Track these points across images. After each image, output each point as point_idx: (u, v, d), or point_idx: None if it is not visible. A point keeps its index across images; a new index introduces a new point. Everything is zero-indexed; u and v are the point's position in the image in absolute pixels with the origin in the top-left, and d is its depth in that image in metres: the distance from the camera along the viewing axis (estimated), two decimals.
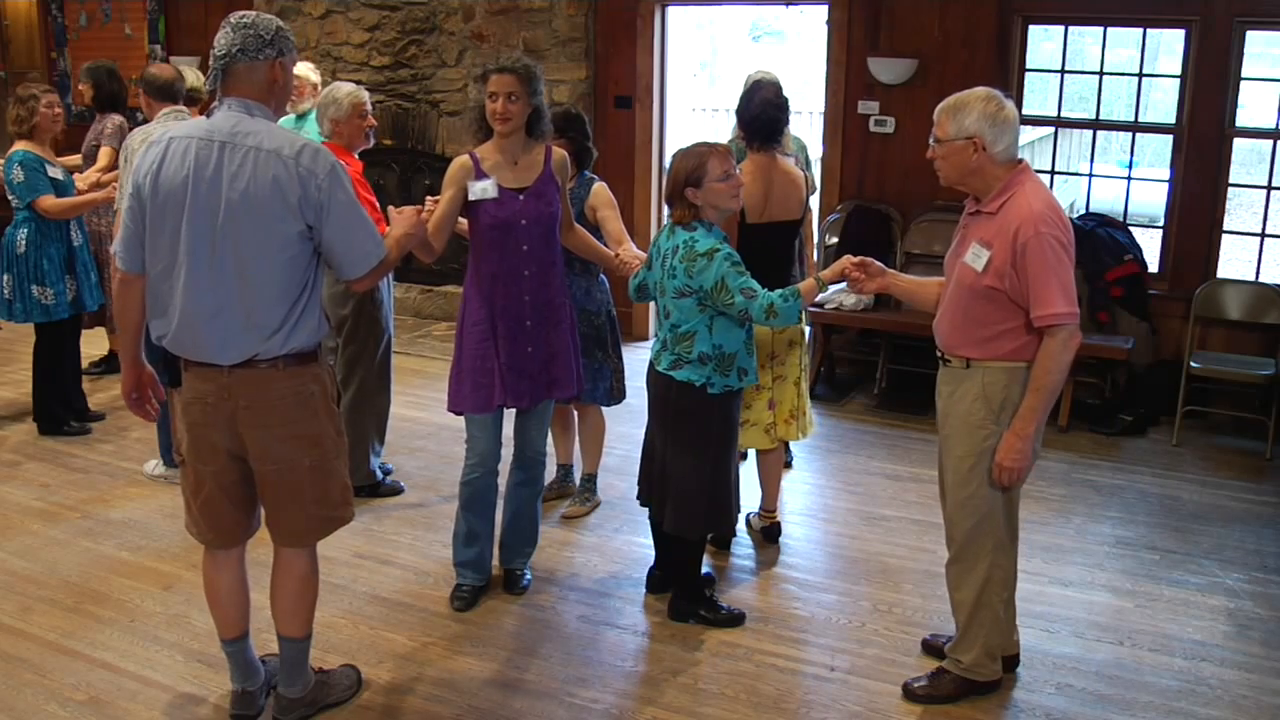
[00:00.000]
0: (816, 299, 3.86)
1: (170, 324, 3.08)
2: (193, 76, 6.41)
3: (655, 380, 3.96)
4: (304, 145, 3.02)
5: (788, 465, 5.62)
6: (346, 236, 3.09)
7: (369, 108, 4.78)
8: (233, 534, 3.35)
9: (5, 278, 5.69)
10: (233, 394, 3.09)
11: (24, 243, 5.65)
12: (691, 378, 3.82)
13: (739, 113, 4.53)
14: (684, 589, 4.15)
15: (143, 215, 3.06)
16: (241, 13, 3.06)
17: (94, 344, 6.82)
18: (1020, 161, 3.37)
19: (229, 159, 2.96)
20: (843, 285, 3.77)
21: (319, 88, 5.73)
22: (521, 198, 3.92)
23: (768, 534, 4.81)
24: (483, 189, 3.87)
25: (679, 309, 3.79)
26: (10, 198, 5.66)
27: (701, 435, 3.90)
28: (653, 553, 4.37)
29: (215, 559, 3.38)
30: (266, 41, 3.01)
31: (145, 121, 5.30)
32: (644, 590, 4.36)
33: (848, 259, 3.70)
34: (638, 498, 4.24)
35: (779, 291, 3.73)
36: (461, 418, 4.14)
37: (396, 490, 5.25)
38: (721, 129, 6.29)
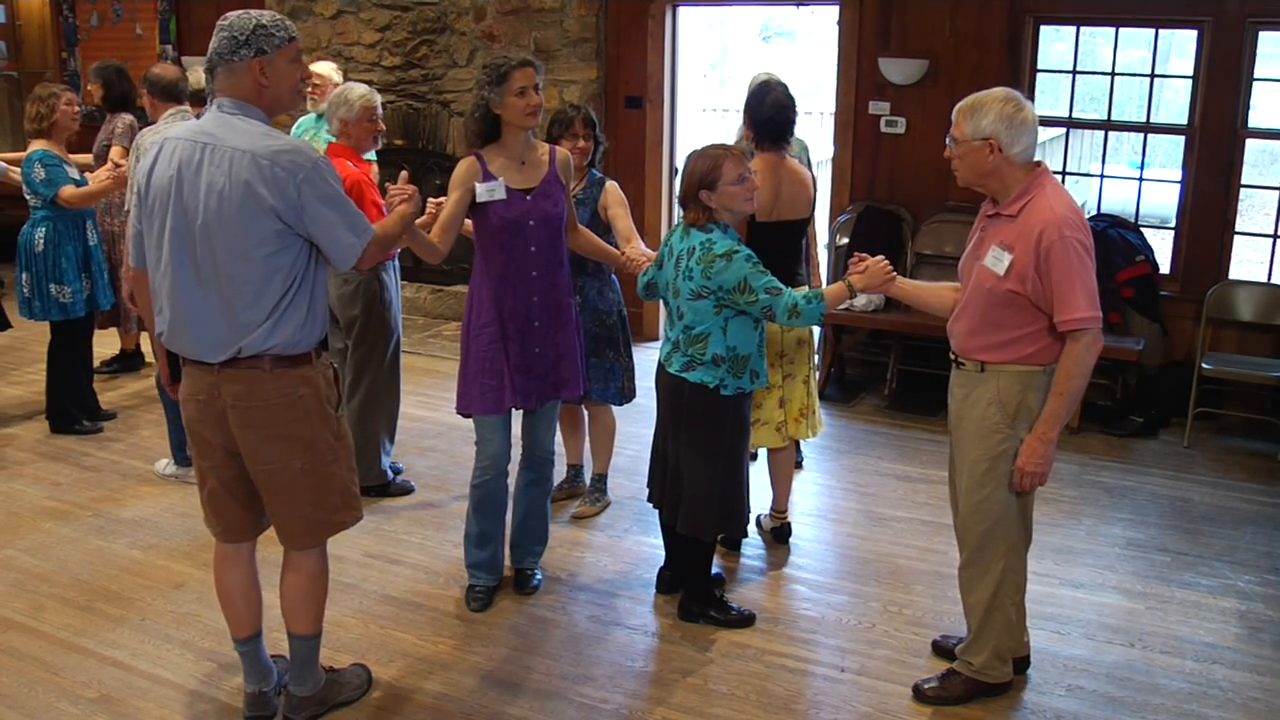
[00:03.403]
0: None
1: (165, 322, 3.13)
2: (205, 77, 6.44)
3: (666, 382, 3.94)
4: (282, 146, 3.00)
5: (798, 466, 5.63)
6: (330, 231, 3.08)
7: (380, 112, 4.77)
8: (239, 529, 3.36)
9: (24, 276, 5.72)
10: (221, 392, 3.12)
11: (42, 241, 5.67)
12: (704, 379, 3.81)
13: (750, 113, 4.53)
14: (694, 589, 4.15)
15: (140, 214, 3.15)
16: (226, 15, 3.06)
17: (106, 344, 6.85)
18: (1039, 164, 3.36)
19: (209, 160, 2.99)
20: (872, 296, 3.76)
21: None
22: (529, 198, 3.92)
23: (778, 535, 4.81)
24: (490, 190, 3.86)
25: (693, 311, 3.77)
26: (29, 196, 5.68)
27: (714, 437, 3.88)
28: (663, 553, 4.37)
29: (225, 556, 3.39)
30: (242, 43, 3.00)
31: (153, 122, 5.31)
32: (654, 590, 4.36)
33: (883, 264, 3.70)
34: (649, 499, 4.23)
35: (804, 293, 3.74)
36: (470, 419, 4.14)
37: (407, 490, 5.25)
38: (732, 129, 6.27)
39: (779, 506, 4.82)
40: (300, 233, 3.06)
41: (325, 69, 6.30)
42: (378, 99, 4.77)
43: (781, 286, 3.71)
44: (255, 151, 2.97)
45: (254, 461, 3.19)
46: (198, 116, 3.15)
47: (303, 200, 3.01)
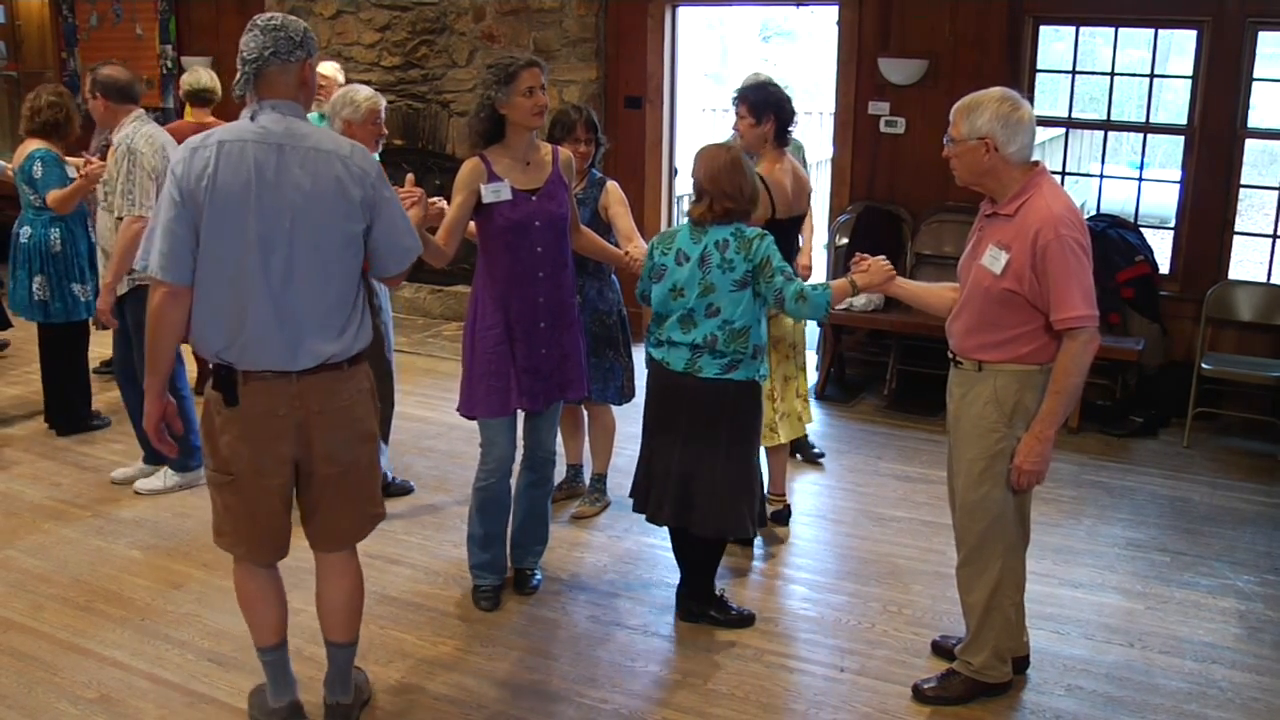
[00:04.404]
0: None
1: (236, 334, 2.96)
2: (206, 77, 6.42)
3: (693, 389, 3.81)
4: (353, 145, 3.05)
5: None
6: (392, 234, 3.11)
7: (383, 115, 4.77)
8: (287, 544, 3.25)
9: (37, 279, 5.66)
10: (304, 401, 3.02)
11: (59, 242, 5.66)
12: (750, 375, 3.82)
13: (776, 111, 4.55)
14: (699, 590, 4.13)
15: (193, 222, 2.92)
16: (269, 14, 3.03)
17: (106, 344, 6.83)
18: (1036, 163, 3.36)
19: (290, 161, 2.93)
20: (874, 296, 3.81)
21: None
22: (534, 199, 3.91)
23: (778, 518, 4.84)
24: (496, 191, 3.85)
25: (734, 303, 3.73)
26: (33, 197, 5.65)
27: (754, 430, 3.92)
28: (661, 553, 4.37)
29: (250, 568, 3.26)
30: (297, 43, 2.99)
31: (106, 127, 5.09)
32: (653, 590, 4.36)
33: (884, 264, 3.73)
34: (662, 522, 4.01)
35: (810, 283, 3.79)
36: (473, 420, 4.13)
37: (406, 490, 5.25)
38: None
39: (777, 489, 4.85)
40: (365, 234, 3.06)
41: (329, 69, 6.31)
42: (383, 102, 4.76)
43: (792, 273, 3.78)
44: (337, 150, 2.98)
45: (329, 464, 3.11)
46: (252, 118, 2.99)
47: (376, 198, 3.03)
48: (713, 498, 3.86)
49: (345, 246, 3.01)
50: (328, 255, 2.99)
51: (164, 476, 5.24)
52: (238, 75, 3.01)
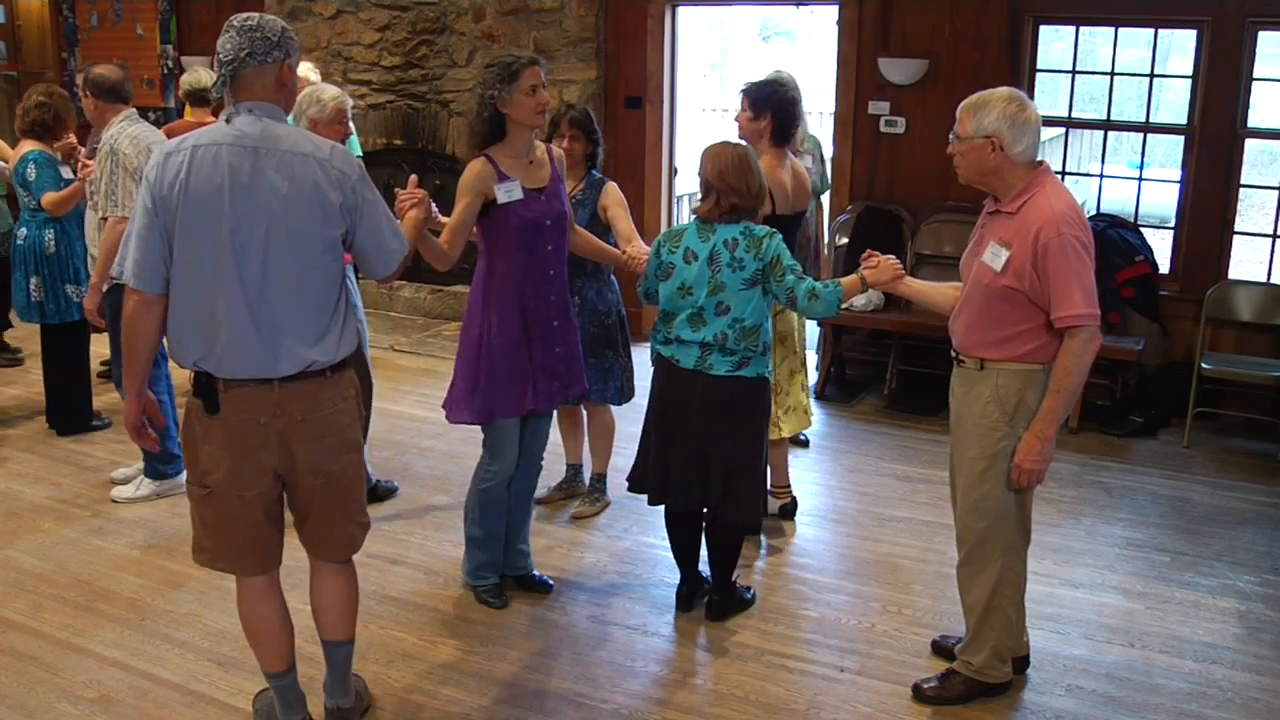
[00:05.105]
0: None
1: (215, 342, 2.91)
2: (206, 77, 6.41)
3: (704, 387, 3.83)
4: (333, 147, 2.99)
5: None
6: (376, 237, 3.07)
7: (349, 116, 4.75)
8: (276, 554, 3.20)
9: (33, 280, 5.65)
10: (285, 409, 2.96)
11: (53, 243, 5.65)
12: (761, 372, 3.86)
13: (773, 110, 4.56)
14: (725, 586, 4.14)
15: (165, 230, 2.88)
16: (245, 15, 2.96)
17: (104, 344, 6.83)
18: (1041, 163, 3.37)
19: (266, 164, 2.87)
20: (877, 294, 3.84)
21: None
22: (542, 197, 3.90)
23: (785, 511, 4.85)
24: (509, 191, 3.81)
25: (744, 301, 3.76)
26: (28, 199, 5.65)
27: (764, 424, 3.96)
28: (661, 553, 4.36)
29: (256, 591, 3.20)
30: (274, 44, 2.93)
31: (97, 126, 5.06)
32: (653, 590, 4.36)
33: (894, 262, 3.75)
34: (685, 507, 4.03)
35: (821, 281, 3.83)
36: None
37: (391, 491, 5.21)
38: (731, 129, 6.22)
39: (781, 482, 4.87)
40: (349, 238, 3.03)
41: (303, 69, 6.28)
42: (349, 101, 4.74)
43: (802, 271, 3.81)
44: (314, 154, 2.93)
45: (313, 475, 3.06)
46: (228, 120, 2.93)
47: (358, 200, 2.99)
48: (735, 488, 3.91)
49: (324, 251, 2.95)
50: (305, 260, 2.93)
51: (138, 485, 5.17)
52: (215, 77, 2.98)
